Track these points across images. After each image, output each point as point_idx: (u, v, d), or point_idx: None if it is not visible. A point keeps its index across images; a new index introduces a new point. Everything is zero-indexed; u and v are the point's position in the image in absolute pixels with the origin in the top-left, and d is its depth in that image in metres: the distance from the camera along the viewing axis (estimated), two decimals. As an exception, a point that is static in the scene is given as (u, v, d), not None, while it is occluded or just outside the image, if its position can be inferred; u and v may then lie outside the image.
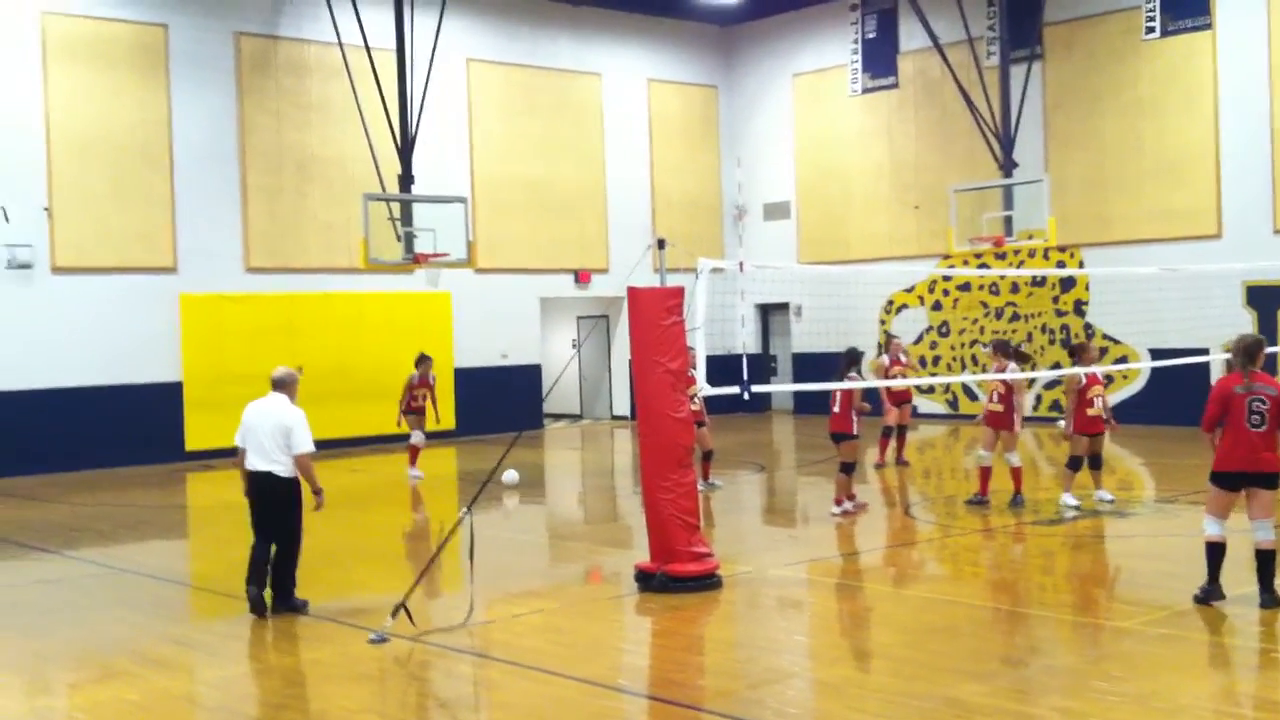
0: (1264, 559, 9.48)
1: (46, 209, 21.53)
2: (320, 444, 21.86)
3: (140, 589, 11.87)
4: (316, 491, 10.39)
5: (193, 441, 22.54)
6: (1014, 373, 14.68)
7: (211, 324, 22.86)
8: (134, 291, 22.32)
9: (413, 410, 19.17)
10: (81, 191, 21.86)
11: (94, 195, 21.98)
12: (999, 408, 14.61)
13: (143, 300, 22.38)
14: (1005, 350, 14.91)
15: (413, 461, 19.33)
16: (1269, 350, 10.45)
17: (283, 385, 10.55)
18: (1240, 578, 9.71)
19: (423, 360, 19.26)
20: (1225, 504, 9.63)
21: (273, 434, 10.27)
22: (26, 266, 21.26)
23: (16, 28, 21.32)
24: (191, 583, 12.71)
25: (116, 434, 21.87)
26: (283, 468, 10.31)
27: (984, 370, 15.22)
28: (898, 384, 18.35)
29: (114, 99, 22.26)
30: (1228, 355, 10.03)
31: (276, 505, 10.38)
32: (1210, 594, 9.56)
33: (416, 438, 19.30)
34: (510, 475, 14.12)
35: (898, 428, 19.07)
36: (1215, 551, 9.59)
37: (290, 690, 8.49)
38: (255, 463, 10.37)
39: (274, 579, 10.45)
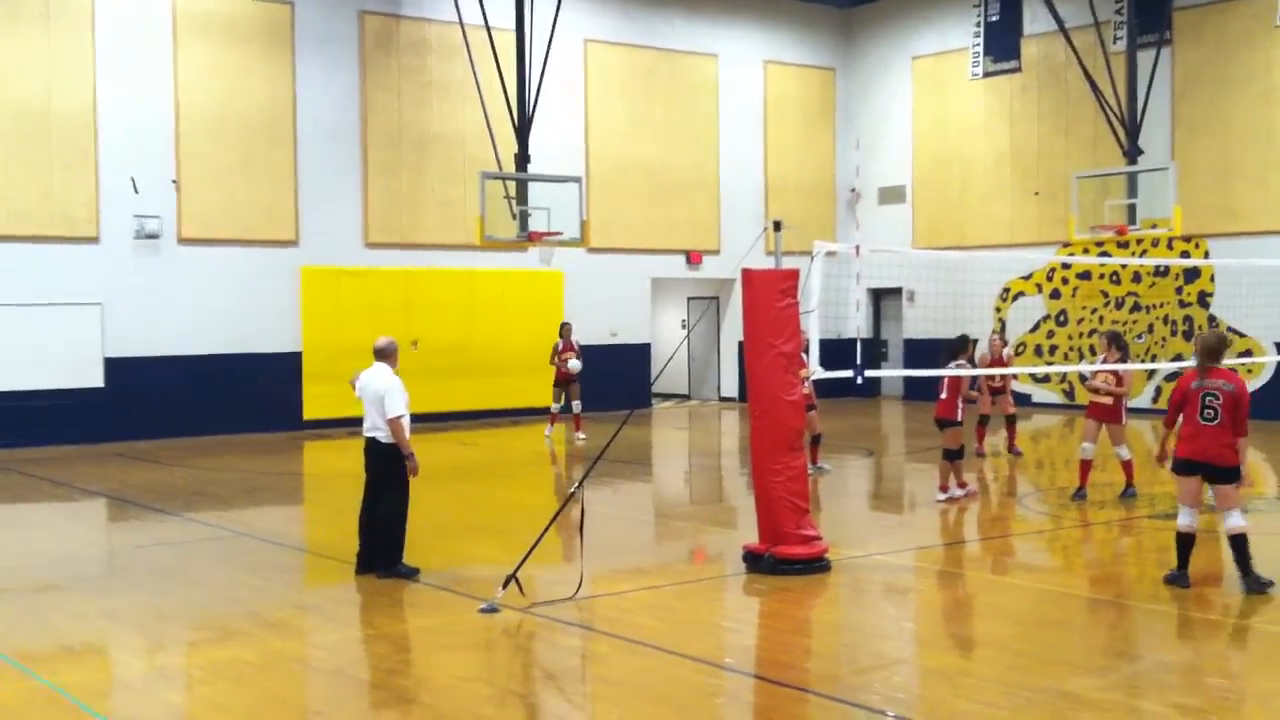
0: (1236, 545, 9.81)
1: (174, 181, 22.11)
2: (433, 417, 22.07)
3: (257, 553, 12.18)
4: (407, 456, 10.65)
5: (310, 411, 23.03)
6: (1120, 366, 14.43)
7: (331, 297, 23.31)
8: (257, 263, 22.83)
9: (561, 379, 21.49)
10: (208, 165, 22.40)
11: (220, 169, 22.52)
12: (1107, 400, 14.34)
13: (265, 272, 22.89)
14: (1118, 343, 14.68)
15: (578, 426, 21.52)
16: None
17: (383, 354, 10.88)
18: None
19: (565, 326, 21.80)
20: (1188, 490, 9.98)
21: (374, 401, 10.64)
22: (154, 237, 21.86)
23: (150, 4, 21.88)
24: (306, 548, 12.99)
25: (237, 401, 22.42)
26: (383, 433, 10.65)
27: (1102, 361, 14.96)
28: (1000, 371, 18.09)
29: (241, 75, 22.75)
30: None
31: (380, 469, 10.77)
32: (1176, 580, 9.92)
33: (577, 407, 21.52)
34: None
35: (1006, 418, 18.82)
36: (1182, 541, 9.96)
37: (401, 656, 8.65)
38: (364, 429, 10.82)
39: (381, 544, 10.72)
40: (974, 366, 14.78)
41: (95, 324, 21.35)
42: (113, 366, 21.55)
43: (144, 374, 21.72)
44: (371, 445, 10.78)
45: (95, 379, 21.42)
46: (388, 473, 10.73)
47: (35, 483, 17.22)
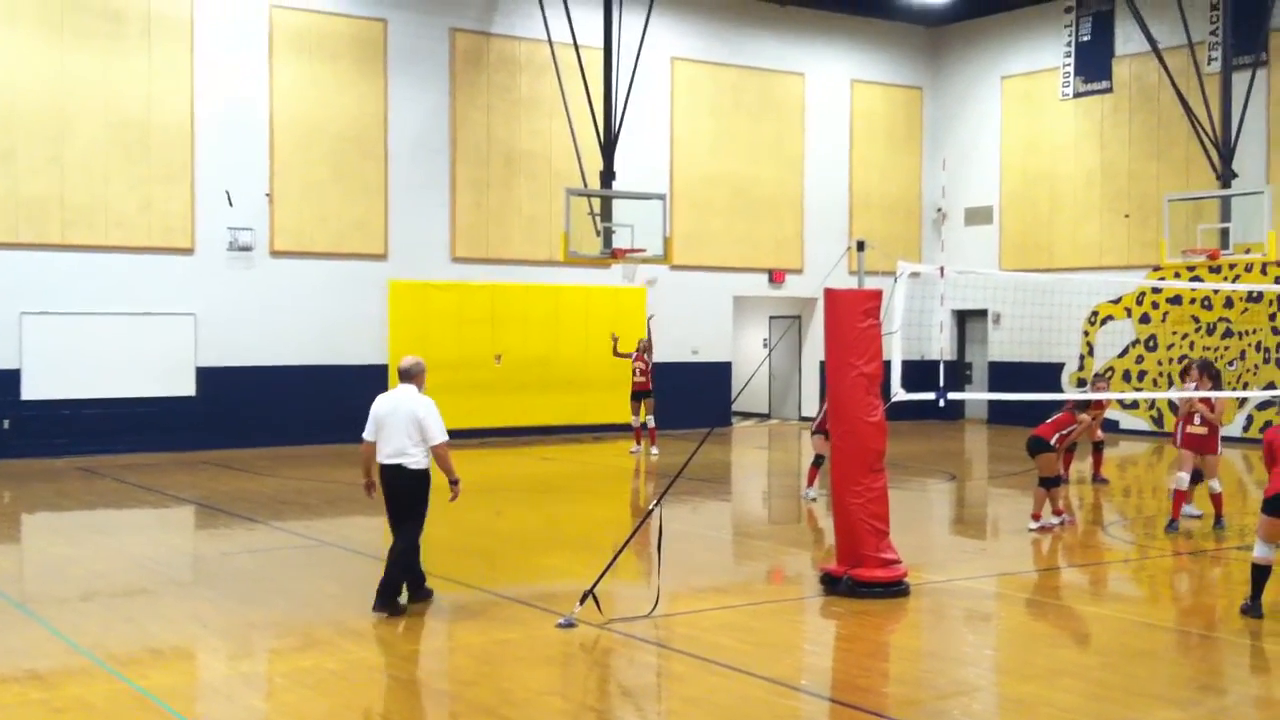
0: None
1: (268, 195, 22.55)
2: (515, 432, 22.20)
3: (341, 562, 12.37)
4: (453, 482, 10.02)
5: (394, 423, 23.27)
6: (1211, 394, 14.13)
7: (418, 310, 23.61)
8: (346, 276, 23.21)
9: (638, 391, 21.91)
10: (301, 179, 22.82)
11: (312, 183, 22.93)
12: (1201, 430, 14.05)
13: (354, 285, 23.25)
14: (1209, 371, 14.36)
15: (652, 441, 21.76)
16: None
17: (410, 375, 10.27)
18: None
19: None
20: (1271, 529, 9.83)
21: (404, 426, 9.97)
22: (247, 249, 22.31)
23: (248, 21, 22.37)
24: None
25: (324, 412, 22.70)
26: (413, 460, 10.01)
27: (1193, 388, 14.67)
28: (1098, 396, 17.81)
29: (334, 91, 23.17)
30: None
31: (408, 497, 10.12)
32: (1250, 610, 9.83)
33: (651, 422, 21.75)
34: None
35: (1093, 444, 18.56)
36: (1258, 572, 9.87)
37: (479, 668, 8.72)
38: (386, 456, 10.08)
39: (409, 575, 10.21)
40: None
41: (188, 334, 21.83)
42: (204, 376, 22.00)
43: (235, 384, 22.15)
44: (397, 473, 10.00)
45: (187, 388, 21.89)
46: (415, 500, 10.10)
47: (128, 489, 17.62)
